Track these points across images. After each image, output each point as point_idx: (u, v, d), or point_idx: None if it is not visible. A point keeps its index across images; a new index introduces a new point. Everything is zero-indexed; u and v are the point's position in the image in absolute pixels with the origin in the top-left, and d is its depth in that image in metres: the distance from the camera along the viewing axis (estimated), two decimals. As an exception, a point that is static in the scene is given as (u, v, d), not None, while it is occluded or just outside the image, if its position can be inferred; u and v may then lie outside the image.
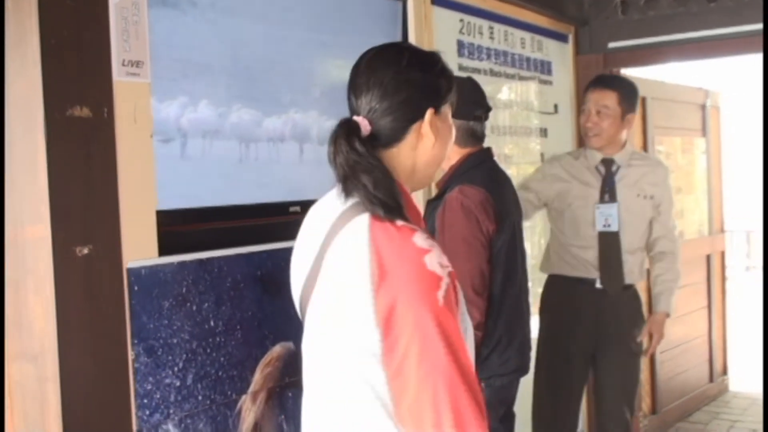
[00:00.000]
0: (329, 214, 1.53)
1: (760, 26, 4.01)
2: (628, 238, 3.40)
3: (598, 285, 3.38)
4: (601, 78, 3.57)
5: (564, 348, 3.35)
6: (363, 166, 1.46)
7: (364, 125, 1.52)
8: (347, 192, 1.48)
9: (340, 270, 1.46)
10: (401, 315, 1.37)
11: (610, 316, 3.39)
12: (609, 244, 3.37)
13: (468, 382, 1.38)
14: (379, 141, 1.53)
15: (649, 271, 3.65)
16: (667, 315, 3.53)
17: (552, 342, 3.17)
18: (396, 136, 1.55)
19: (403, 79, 1.54)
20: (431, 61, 1.60)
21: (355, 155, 1.47)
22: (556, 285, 3.47)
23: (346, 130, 1.50)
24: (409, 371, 1.37)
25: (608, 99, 3.36)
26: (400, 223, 1.45)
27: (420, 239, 1.43)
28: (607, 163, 3.42)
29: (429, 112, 1.56)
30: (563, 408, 3.43)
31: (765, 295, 3.67)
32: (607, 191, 3.39)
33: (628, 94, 3.42)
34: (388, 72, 1.54)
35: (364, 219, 1.45)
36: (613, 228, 3.36)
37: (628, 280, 3.43)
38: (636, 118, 4.83)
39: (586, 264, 3.38)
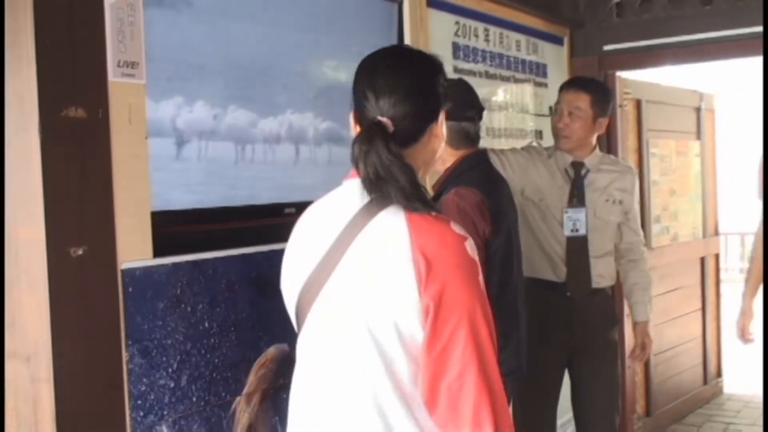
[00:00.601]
0: (340, 212, 1.55)
1: (755, 29, 4.02)
2: (596, 243, 3.37)
3: (569, 293, 3.37)
4: (575, 79, 3.55)
5: (537, 355, 3.32)
6: (399, 166, 1.51)
7: (388, 126, 1.56)
8: (381, 191, 1.51)
9: (369, 269, 1.49)
10: (450, 300, 1.43)
11: (582, 322, 3.36)
12: (576, 248, 3.34)
13: (497, 360, 1.47)
14: (397, 141, 1.56)
15: (621, 277, 3.63)
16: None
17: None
18: (415, 136, 1.61)
19: (424, 82, 1.62)
20: (439, 65, 1.68)
21: (393, 156, 1.51)
22: (531, 287, 3.43)
23: (383, 132, 1.53)
24: (455, 351, 1.43)
25: (581, 101, 3.33)
26: (434, 213, 1.52)
27: (456, 227, 1.51)
28: (577, 166, 3.40)
29: (442, 114, 1.65)
30: (539, 415, 3.40)
31: (765, 298, 3.67)
32: (576, 195, 3.36)
33: (601, 97, 3.39)
34: (411, 75, 1.61)
35: (396, 212, 1.50)
36: (581, 232, 3.34)
37: (596, 285, 3.40)
38: (630, 120, 4.88)
39: (560, 265, 3.36)
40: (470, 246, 1.50)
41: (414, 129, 1.60)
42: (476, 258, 1.50)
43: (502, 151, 3.45)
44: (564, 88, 3.45)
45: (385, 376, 1.46)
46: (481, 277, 1.49)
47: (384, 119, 1.56)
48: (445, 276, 1.44)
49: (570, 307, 3.36)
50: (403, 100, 1.57)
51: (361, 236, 1.51)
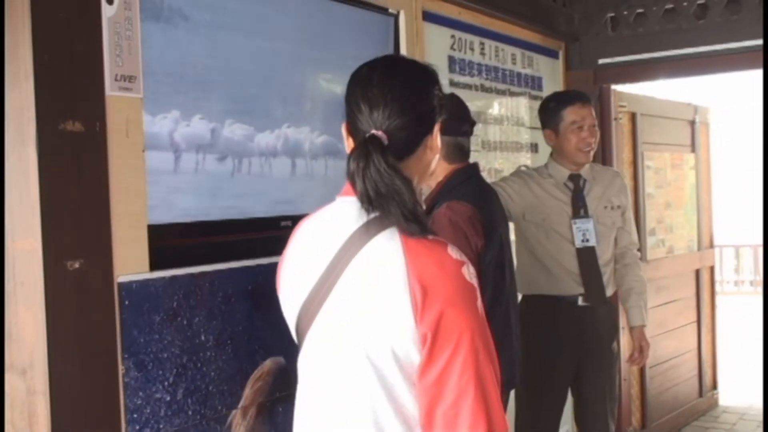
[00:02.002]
0: (336, 231, 1.53)
1: (750, 43, 4.05)
2: (602, 251, 3.41)
3: (580, 302, 3.38)
4: (580, 94, 3.55)
5: (546, 367, 3.34)
6: (401, 179, 1.47)
7: (384, 139, 1.52)
8: (381, 208, 1.47)
9: (368, 289, 1.46)
10: (447, 327, 1.40)
11: (591, 331, 3.39)
12: (587, 259, 3.37)
13: (498, 388, 1.44)
14: (392, 154, 1.52)
15: (617, 282, 3.66)
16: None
17: (533, 361, 3.16)
18: (410, 149, 1.57)
19: (421, 93, 1.57)
20: (434, 75, 1.63)
21: (393, 170, 1.47)
22: (535, 304, 3.44)
23: (380, 146, 1.49)
24: (451, 378, 1.40)
25: (594, 113, 3.44)
26: (431, 236, 1.47)
27: (453, 252, 1.47)
28: (575, 178, 3.44)
29: (437, 126, 1.61)
30: (544, 425, 3.43)
31: (765, 307, 3.69)
32: (581, 206, 3.39)
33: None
34: (406, 86, 1.56)
35: (392, 236, 1.46)
36: (591, 243, 3.37)
37: (607, 293, 3.45)
38: (625, 133, 4.90)
39: (566, 280, 3.38)
40: (468, 271, 1.46)
41: (409, 141, 1.55)
42: (474, 283, 1.46)
43: (496, 183, 3.45)
44: (578, 104, 3.42)
45: (385, 401, 1.45)
46: (479, 302, 1.46)
47: (378, 132, 1.51)
48: (442, 303, 1.41)
49: (580, 318, 3.38)
50: (398, 112, 1.52)
51: (357, 258, 1.48)
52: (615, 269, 3.58)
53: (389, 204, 1.46)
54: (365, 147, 1.49)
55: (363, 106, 1.55)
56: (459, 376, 1.39)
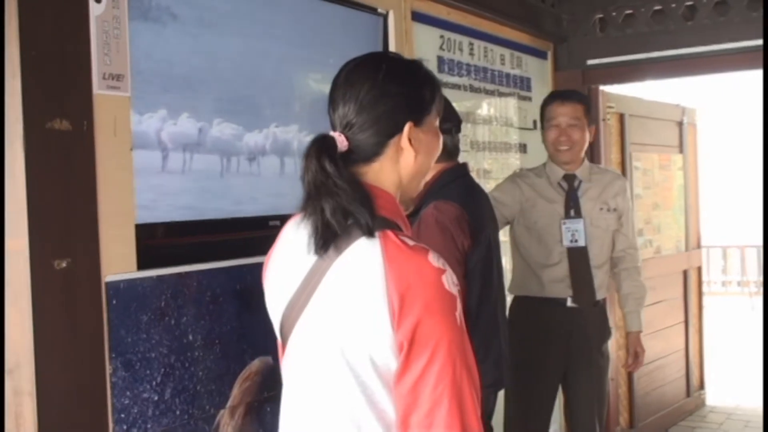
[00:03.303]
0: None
1: (737, 44, 4.08)
2: (595, 253, 3.41)
3: (569, 303, 3.39)
4: (565, 93, 3.57)
5: (535, 368, 3.35)
6: (327, 188, 1.43)
7: (341, 141, 1.48)
8: (306, 213, 1.46)
9: (347, 295, 1.44)
10: (423, 336, 1.37)
11: (581, 333, 3.40)
12: (578, 259, 3.38)
13: (477, 400, 1.41)
14: (358, 156, 1.50)
15: (616, 286, 3.68)
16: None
17: (522, 362, 3.17)
18: (374, 151, 1.51)
19: (379, 93, 1.50)
20: (411, 71, 1.56)
21: (323, 176, 1.43)
22: (525, 305, 3.46)
23: (318, 148, 1.46)
24: (426, 387, 1.37)
25: (578, 111, 3.41)
26: (411, 242, 1.44)
27: (434, 259, 1.43)
28: (569, 178, 3.45)
29: (408, 126, 1.51)
30: (533, 425, 3.44)
31: (765, 309, 3.71)
32: (572, 207, 3.40)
33: (589, 106, 3.51)
34: (363, 86, 1.50)
35: (373, 242, 1.42)
36: (581, 243, 3.38)
37: (598, 296, 3.45)
38: (613, 134, 4.92)
39: (556, 282, 3.39)
40: (448, 279, 1.42)
41: (371, 143, 1.50)
42: (454, 291, 1.43)
43: (495, 198, 3.43)
44: (556, 101, 3.45)
45: (366, 407, 1.43)
46: (459, 311, 1.42)
47: (335, 134, 1.49)
48: (420, 311, 1.37)
49: (569, 320, 3.40)
50: (356, 113, 1.49)
51: (337, 263, 1.45)
52: (613, 273, 3.60)
53: (313, 210, 1.44)
54: (307, 149, 1.48)
55: (330, 106, 1.54)
56: (434, 385, 1.37)
